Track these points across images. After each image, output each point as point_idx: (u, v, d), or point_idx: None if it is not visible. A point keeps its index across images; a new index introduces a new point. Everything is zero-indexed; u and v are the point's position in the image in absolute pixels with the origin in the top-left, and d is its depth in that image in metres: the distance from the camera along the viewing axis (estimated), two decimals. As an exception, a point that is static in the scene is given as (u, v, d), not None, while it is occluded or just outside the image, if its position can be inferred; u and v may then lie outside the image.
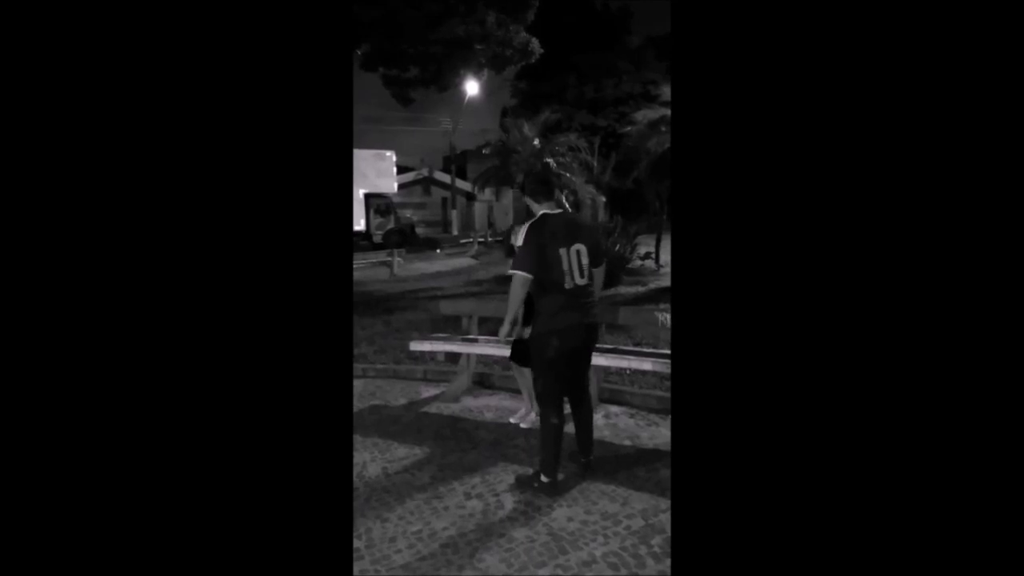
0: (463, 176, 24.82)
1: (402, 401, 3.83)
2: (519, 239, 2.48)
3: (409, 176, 26.52)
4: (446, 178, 26.15)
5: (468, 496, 2.50)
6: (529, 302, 2.56)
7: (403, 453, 2.97)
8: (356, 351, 4.89)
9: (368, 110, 21.92)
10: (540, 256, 2.36)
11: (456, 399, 3.77)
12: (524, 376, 3.20)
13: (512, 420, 3.34)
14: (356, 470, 2.78)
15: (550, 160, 9.84)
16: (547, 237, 2.39)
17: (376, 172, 20.36)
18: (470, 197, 23.50)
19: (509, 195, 23.20)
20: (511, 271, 2.40)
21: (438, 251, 16.90)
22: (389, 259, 11.99)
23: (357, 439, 3.15)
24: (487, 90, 16.13)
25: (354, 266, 11.20)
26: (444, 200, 27.00)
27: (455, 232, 24.02)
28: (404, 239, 19.14)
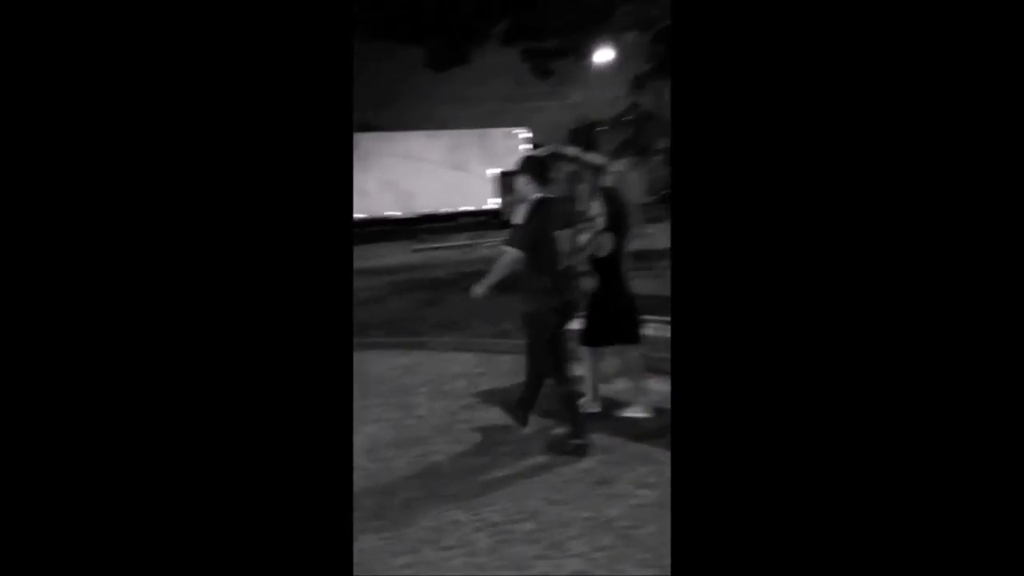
0: (593, 149, 24.19)
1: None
2: (518, 217, 2.59)
3: (538, 153, 26.49)
4: (574, 152, 25.72)
5: (638, 485, 2.37)
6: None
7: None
8: (504, 327, 4.95)
9: (500, 88, 22.17)
10: (536, 236, 2.51)
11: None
12: (593, 359, 3.12)
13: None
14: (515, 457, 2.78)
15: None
16: (545, 219, 2.56)
17: (507, 150, 20.63)
18: (598, 170, 22.91)
19: (650, 162, 22.28)
20: (503, 246, 2.55)
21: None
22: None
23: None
24: (620, 58, 15.41)
25: (487, 245, 11.41)
26: (570, 175, 26.67)
27: (582, 207, 23.65)
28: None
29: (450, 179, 20.01)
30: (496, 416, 3.14)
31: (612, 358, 3.21)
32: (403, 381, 4.00)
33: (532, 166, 2.73)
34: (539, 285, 2.58)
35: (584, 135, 25.33)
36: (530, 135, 21.39)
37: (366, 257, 12.32)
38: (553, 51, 9.95)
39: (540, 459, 2.69)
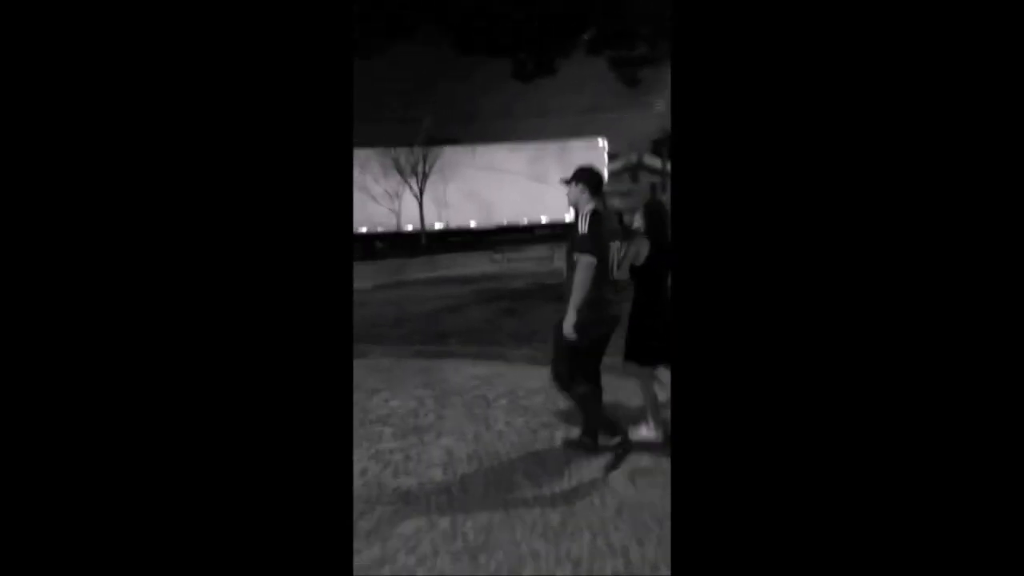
0: (676, 160, 23.44)
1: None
2: (583, 226, 2.54)
3: (617, 163, 26.14)
4: (656, 162, 25.10)
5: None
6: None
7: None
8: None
9: (582, 100, 22.07)
10: (601, 244, 2.51)
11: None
12: (645, 379, 2.94)
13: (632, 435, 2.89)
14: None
15: None
16: (603, 228, 2.55)
17: (587, 162, 20.46)
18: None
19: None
20: (578, 254, 2.49)
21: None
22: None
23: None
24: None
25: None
26: (652, 186, 26.05)
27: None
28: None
29: (530, 191, 20.07)
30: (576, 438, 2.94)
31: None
32: (481, 392, 3.89)
33: (586, 176, 2.69)
34: (594, 296, 2.54)
35: (667, 146, 24.70)
36: (608, 146, 21.10)
37: (447, 266, 12.55)
38: (640, 59, 9.65)
39: (628, 493, 2.46)
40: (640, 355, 2.85)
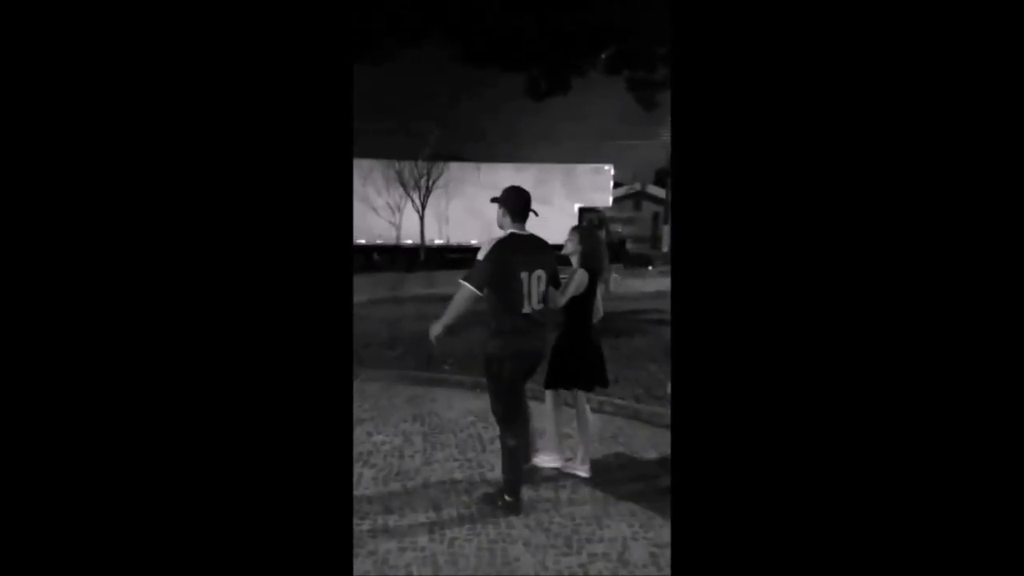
0: (681, 191, 23.41)
1: (653, 455, 3.16)
2: (482, 253, 2.35)
3: (621, 190, 26.10)
4: (660, 192, 25.04)
5: None
6: None
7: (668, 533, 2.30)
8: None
9: (592, 125, 22.08)
10: (500, 275, 2.34)
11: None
12: (555, 404, 2.90)
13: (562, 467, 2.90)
14: (616, 548, 2.19)
15: None
16: (512, 258, 2.36)
17: (592, 186, 20.34)
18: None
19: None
20: (461, 281, 2.33)
21: (650, 268, 15.99)
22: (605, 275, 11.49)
23: (610, 501, 2.57)
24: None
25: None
26: (655, 215, 25.94)
27: (665, 249, 22.81)
28: (614, 255, 18.64)
29: (537, 213, 19.87)
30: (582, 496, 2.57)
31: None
32: (476, 431, 3.51)
33: (505, 198, 2.48)
34: (502, 326, 2.41)
35: (670, 176, 24.64)
36: (614, 172, 21.00)
37: (445, 283, 12.21)
38: (660, 82, 9.43)
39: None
40: (560, 381, 2.80)
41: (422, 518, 2.46)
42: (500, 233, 2.45)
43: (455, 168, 19.23)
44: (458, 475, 2.89)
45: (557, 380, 2.80)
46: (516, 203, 2.46)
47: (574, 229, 2.82)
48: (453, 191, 19.25)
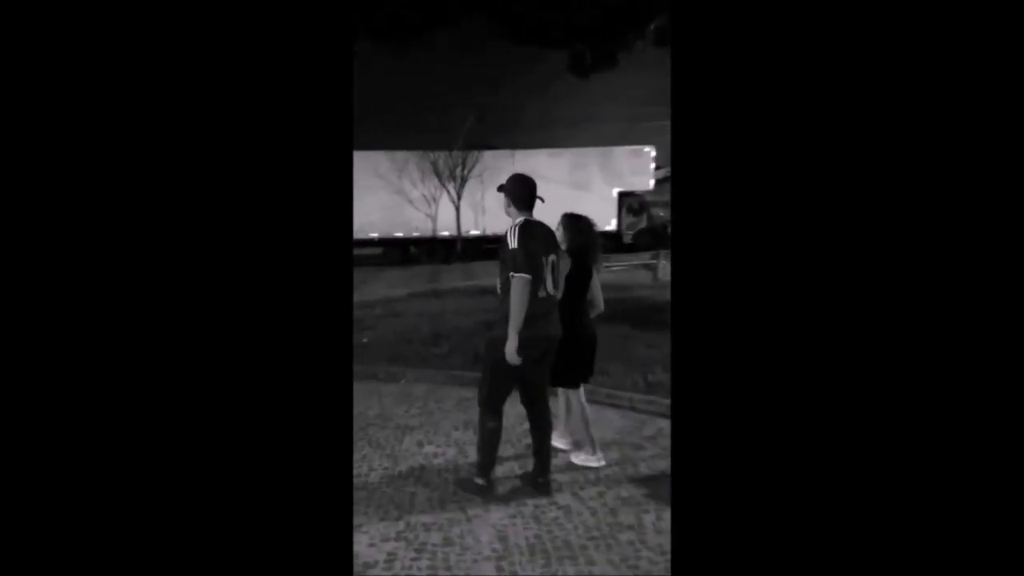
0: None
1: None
2: (513, 241, 2.35)
3: (662, 172, 25.23)
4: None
5: None
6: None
7: None
8: (650, 376, 3.97)
9: (629, 108, 21.30)
10: (532, 259, 2.34)
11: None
12: (572, 406, 2.89)
13: (578, 461, 2.89)
14: None
15: None
16: (533, 242, 2.38)
17: (631, 170, 19.64)
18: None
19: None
20: (513, 275, 2.30)
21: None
22: (653, 262, 10.99)
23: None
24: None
25: (612, 269, 10.57)
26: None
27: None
28: (656, 240, 17.97)
29: (571, 198, 19.34)
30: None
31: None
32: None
33: (508, 186, 2.50)
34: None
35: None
36: (655, 155, 20.22)
37: (483, 275, 11.92)
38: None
39: None
40: (563, 380, 2.76)
41: (486, 550, 2.14)
42: (517, 220, 2.43)
43: (490, 156, 18.86)
44: (526, 499, 2.54)
45: (562, 379, 2.78)
46: (521, 191, 2.47)
47: (563, 216, 2.78)
48: (488, 180, 18.94)
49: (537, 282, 2.37)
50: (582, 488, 2.63)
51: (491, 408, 2.53)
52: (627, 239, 18.80)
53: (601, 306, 2.86)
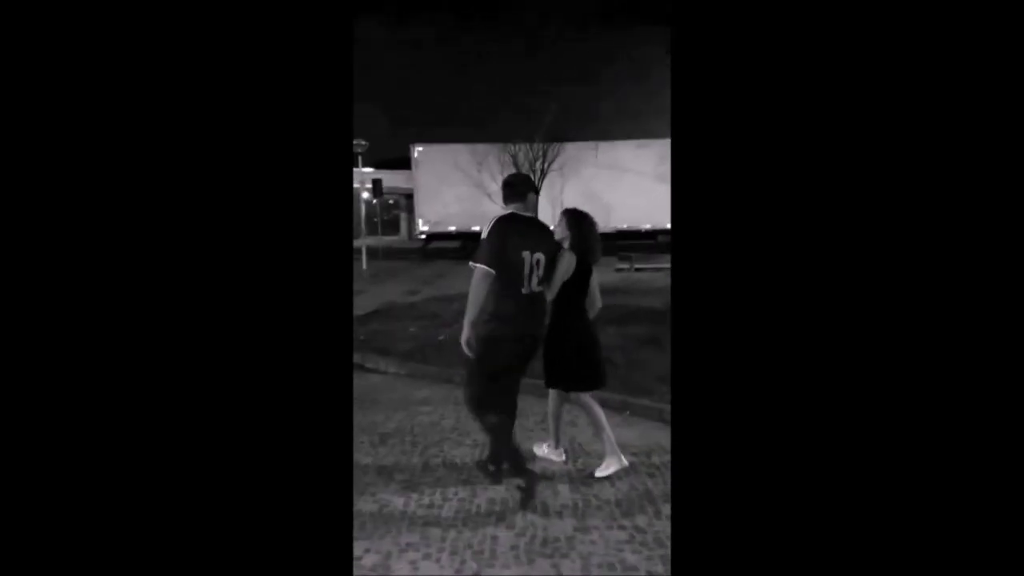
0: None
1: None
2: (485, 231, 2.36)
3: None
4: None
5: None
6: None
7: None
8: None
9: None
10: (503, 254, 2.31)
11: None
12: (589, 412, 2.69)
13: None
14: None
15: None
16: (513, 237, 2.36)
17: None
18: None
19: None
20: (472, 264, 2.32)
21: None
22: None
23: None
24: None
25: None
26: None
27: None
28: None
29: (655, 193, 18.31)
30: None
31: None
32: (644, 483, 2.69)
33: (508, 179, 2.59)
34: (500, 308, 2.36)
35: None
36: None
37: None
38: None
39: None
40: (558, 382, 2.65)
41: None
42: (501, 213, 2.42)
43: (571, 148, 18.30)
44: (629, 556, 2.08)
45: (550, 379, 2.66)
46: (511, 183, 2.54)
47: (564, 212, 2.70)
48: (569, 172, 18.37)
49: (514, 278, 2.35)
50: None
51: (482, 407, 2.52)
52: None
53: (599, 305, 2.71)
